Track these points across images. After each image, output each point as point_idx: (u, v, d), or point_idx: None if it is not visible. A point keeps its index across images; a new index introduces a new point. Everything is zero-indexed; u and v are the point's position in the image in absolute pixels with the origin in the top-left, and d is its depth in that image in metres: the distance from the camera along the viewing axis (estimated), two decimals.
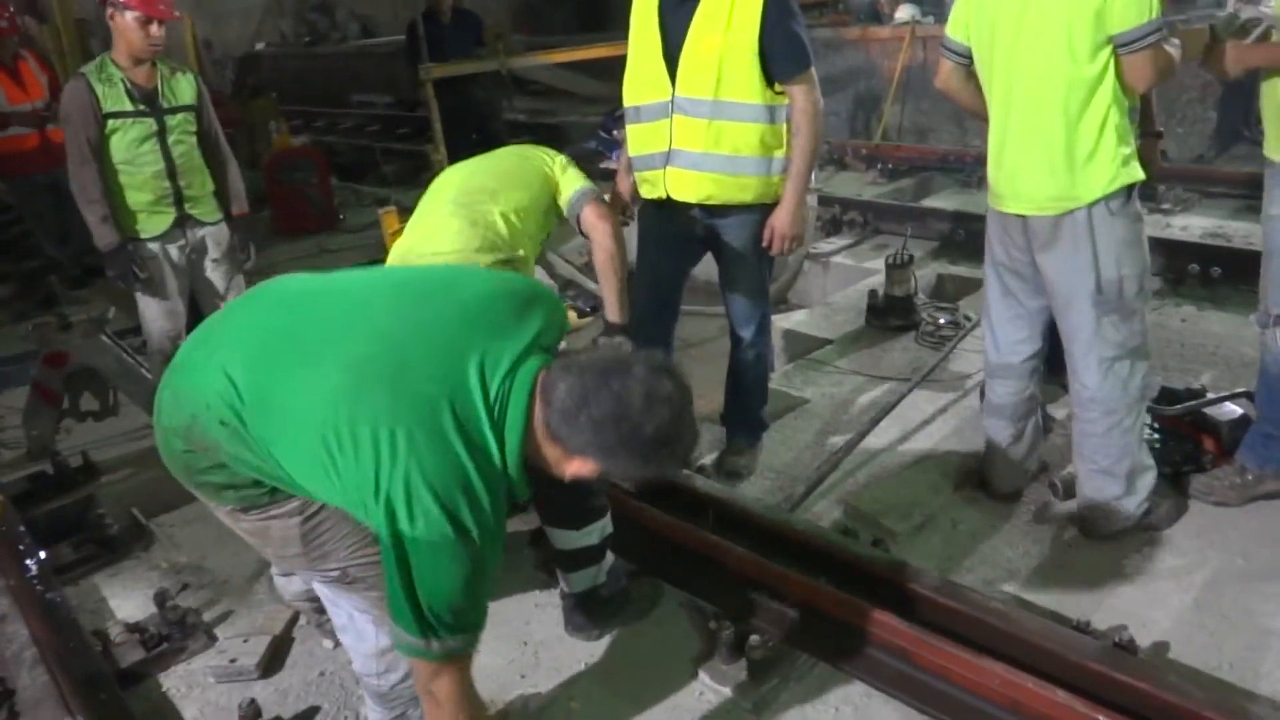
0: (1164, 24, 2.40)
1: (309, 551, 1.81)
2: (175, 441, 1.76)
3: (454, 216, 2.66)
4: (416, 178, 8.91)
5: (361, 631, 1.94)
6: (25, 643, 2.49)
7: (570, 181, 2.88)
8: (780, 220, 2.98)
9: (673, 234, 3.13)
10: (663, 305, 3.25)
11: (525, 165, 2.88)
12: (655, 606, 2.66)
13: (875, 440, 3.43)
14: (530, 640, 2.60)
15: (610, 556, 2.58)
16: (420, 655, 1.59)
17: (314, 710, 2.41)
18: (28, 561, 2.86)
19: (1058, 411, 3.36)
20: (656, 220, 3.15)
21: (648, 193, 3.10)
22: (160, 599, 2.71)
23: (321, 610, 2.27)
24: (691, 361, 4.15)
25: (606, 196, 3.01)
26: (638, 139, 3.08)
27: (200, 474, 1.76)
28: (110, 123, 3.56)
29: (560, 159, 2.95)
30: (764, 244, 3.02)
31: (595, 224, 2.80)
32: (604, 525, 2.53)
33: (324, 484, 1.59)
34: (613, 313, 2.88)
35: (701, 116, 2.90)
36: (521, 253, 2.66)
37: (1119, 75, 2.45)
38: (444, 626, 1.55)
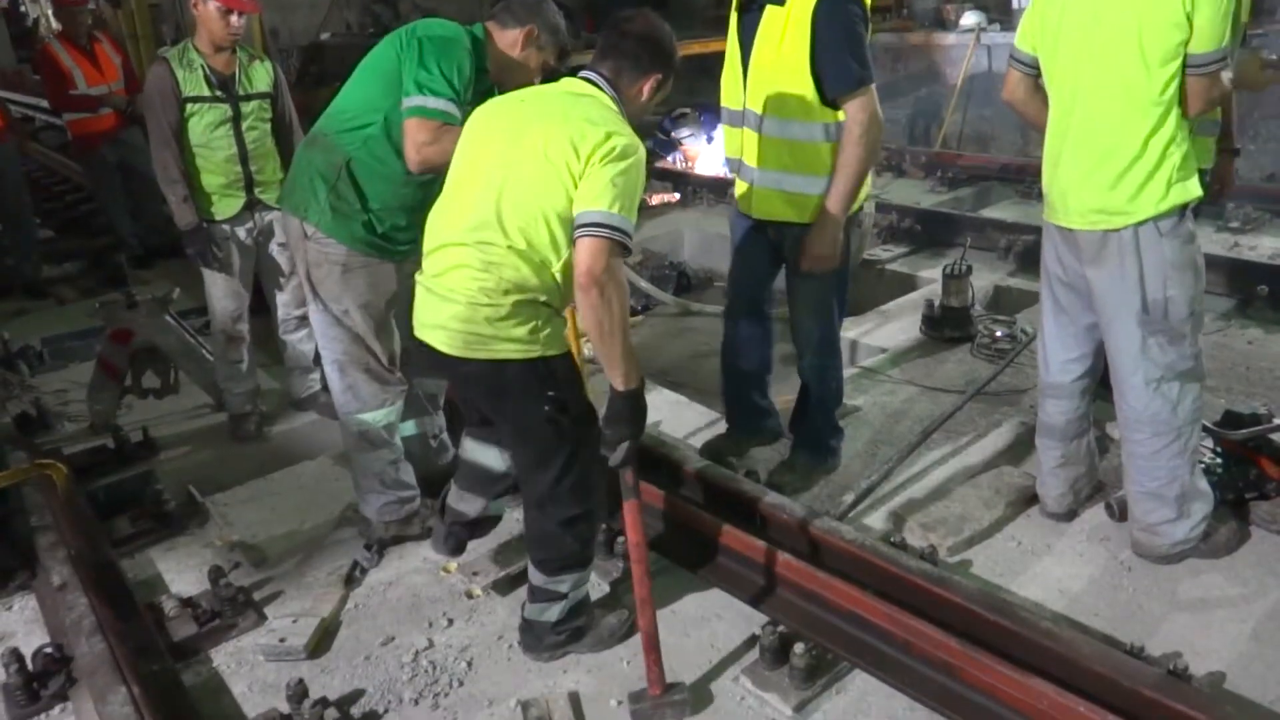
0: (1227, 54, 2.41)
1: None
2: None
3: (465, 263, 2.19)
4: None
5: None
6: (84, 611, 2.56)
7: (587, 196, 2.07)
8: (811, 239, 2.90)
9: (752, 235, 3.12)
10: (752, 300, 3.24)
11: (550, 159, 2.11)
12: (621, 641, 2.54)
13: (927, 452, 3.40)
14: None
15: (578, 593, 2.47)
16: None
17: (358, 693, 2.44)
18: (88, 532, 2.94)
19: (1116, 431, 3.28)
20: (741, 218, 3.15)
21: (736, 191, 3.11)
22: (214, 576, 2.77)
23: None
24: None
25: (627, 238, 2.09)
26: (726, 140, 3.09)
27: None
28: (189, 107, 3.64)
29: (593, 144, 2.09)
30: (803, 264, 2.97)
31: (585, 277, 2.02)
32: (578, 579, 2.44)
33: None
34: (616, 379, 2.15)
35: (763, 132, 2.87)
36: (544, 299, 2.21)
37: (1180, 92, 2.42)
38: None
